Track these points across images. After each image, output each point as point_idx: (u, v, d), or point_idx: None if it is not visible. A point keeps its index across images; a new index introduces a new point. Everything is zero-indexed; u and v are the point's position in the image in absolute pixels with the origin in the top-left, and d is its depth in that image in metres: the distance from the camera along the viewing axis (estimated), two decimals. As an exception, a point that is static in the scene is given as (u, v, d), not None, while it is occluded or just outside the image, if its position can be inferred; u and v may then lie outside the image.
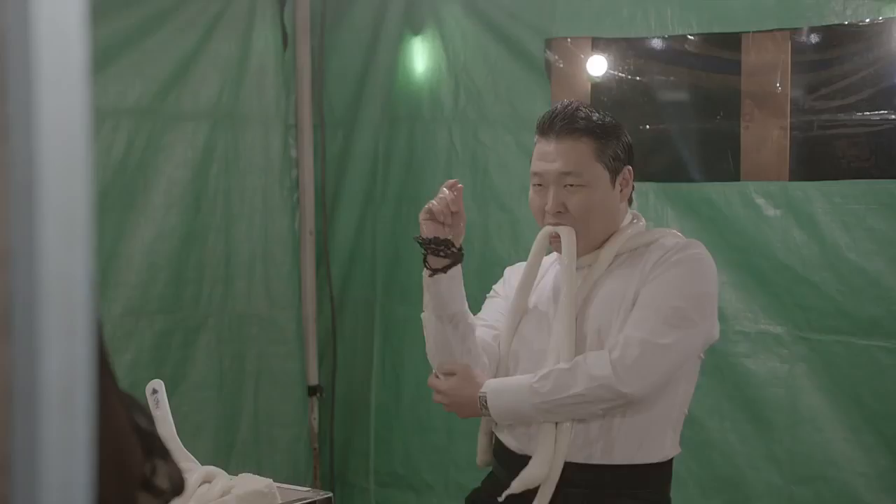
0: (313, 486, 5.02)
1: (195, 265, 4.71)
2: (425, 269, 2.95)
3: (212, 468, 3.08)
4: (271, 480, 3.02)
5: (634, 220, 2.99)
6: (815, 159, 3.96)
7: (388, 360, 4.95)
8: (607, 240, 2.94)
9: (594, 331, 2.86)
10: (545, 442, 2.84)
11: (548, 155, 2.90)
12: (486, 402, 2.89)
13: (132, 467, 1.60)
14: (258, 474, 4.21)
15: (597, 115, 2.94)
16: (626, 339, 2.77)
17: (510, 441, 2.97)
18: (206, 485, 2.96)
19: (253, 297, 4.87)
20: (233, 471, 3.26)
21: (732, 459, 3.96)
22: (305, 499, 3.01)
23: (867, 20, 3.73)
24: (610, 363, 2.74)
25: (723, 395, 3.96)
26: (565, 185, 2.87)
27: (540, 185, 2.92)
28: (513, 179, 4.51)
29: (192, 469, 3.07)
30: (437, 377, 3.05)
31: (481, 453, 3.16)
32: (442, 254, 2.91)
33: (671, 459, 2.95)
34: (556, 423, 2.84)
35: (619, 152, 2.92)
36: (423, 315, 3.03)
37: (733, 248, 3.92)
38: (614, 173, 2.91)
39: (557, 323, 2.88)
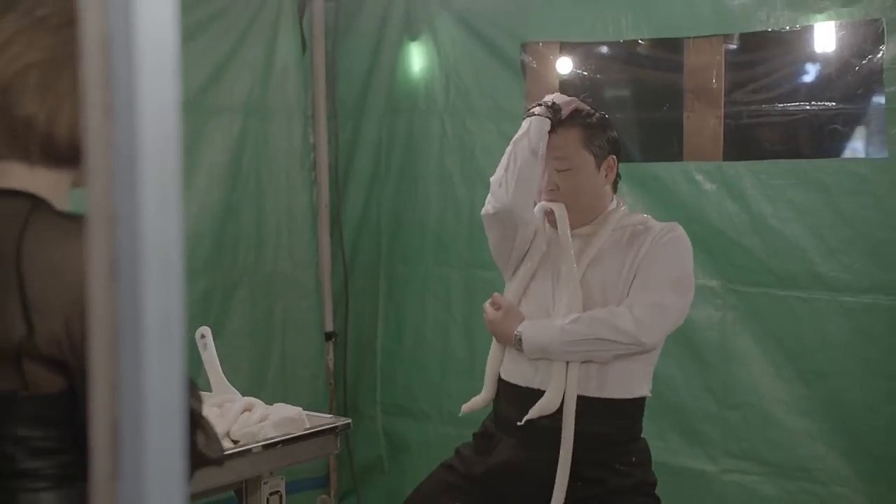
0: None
1: (232, 234, 4.71)
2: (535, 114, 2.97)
3: (252, 399, 3.12)
4: (301, 409, 3.05)
5: (619, 204, 3.05)
6: (745, 143, 3.98)
7: (391, 310, 4.97)
8: (597, 217, 2.99)
9: (599, 288, 2.92)
10: (558, 378, 2.89)
11: (550, 146, 2.96)
12: (520, 339, 2.93)
13: None
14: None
15: (588, 110, 3.01)
16: (645, 300, 2.86)
17: (518, 379, 3.00)
18: (247, 413, 2.99)
19: (279, 259, 4.88)
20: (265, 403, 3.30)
21: (676, 390, 4.00)
22: (329, 424, 3.03)
23: (786, 28, 3.76)
24: (633, 319, 2.83)
25: (668, 338, 3.98)
26: (556, 169, 2.94)
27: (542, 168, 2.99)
28: (495, 161, 4.39)
29: (235, 399, 3.11)
30: (490, 307, 3.05)
31: (490, 390, 3.16)
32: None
33: (644, 399, 3.05)
34: (568, 364, 2.89)
35: (605, 143, 2.98)
36: (515, 151, 3.00)
37: (676, 216, 3.90)
38: (600, 159, 2.97)
39: (565, 279, 2.93)
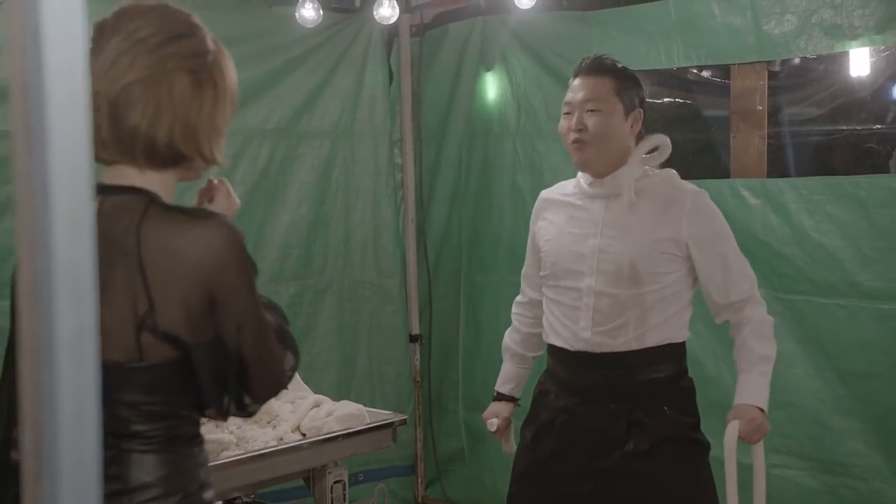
0: (415, 409, 5.07)
1: (321, 244, 4.74)
2: None
3: (320, 396, 3.12)
4: (362, 406, 3.05)
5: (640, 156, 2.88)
6: (787, 161, 3.91)
7: (470, 314, 4.96)
8: (619, 168, 2.83)
9: (628, 263, 2.77)
10: None
11: (576, 88, 2.84)
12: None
13: (275, 359, 1.72)
14: (371, 400, 4.24)
15: (620, 63, 2.89)
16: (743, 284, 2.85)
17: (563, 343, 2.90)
18: (316, 408, 3.00)
19: (366, 268, 4.89)
20: (352, 398, 3.29)
21: (724, 390, 3.89)
22: (386, 419, 3.02)
23: (825, 53, 3.66)
24: (760, 304, 2.91)
25: (717, 342, 3.92)
26: (587, 111, 2.79)
27: (568, 112, 2.84)
28: (560, 178, 4.41)
29: (306, 396, 3.12)
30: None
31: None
32: None
33: (684, 343, 2.90)
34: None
35: (634, 96, 2.84)
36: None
37: (724, 229, 3.88)
38: (628, 108, 2.82)
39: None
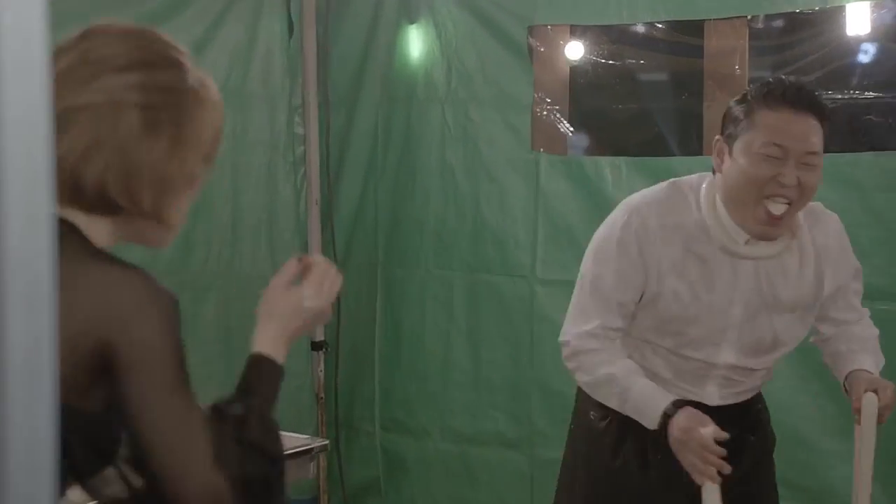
0: (318, 431, 5.04)
1: (202, 230, 4.67)
2: None
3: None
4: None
5: None
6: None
7: (389, 316, 4.96)
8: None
9: (771, 336, 2.87)
10: None
11: (797, 131, 2.61)
12: None
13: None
14: (267, 421, 4.20)
15: (822, 97, 2.83)
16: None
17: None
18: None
19: (258, 260, 4.85)
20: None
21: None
22: (304, 445, 3.02)
23: (817, 7, 3.74)
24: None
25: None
26: (803, 163, 2.60)
27: (778, 157, 2.59)
28: (500, 153, 4.53)
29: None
30: None
31: None
32: None
33: None
34: None
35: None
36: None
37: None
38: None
39: None
